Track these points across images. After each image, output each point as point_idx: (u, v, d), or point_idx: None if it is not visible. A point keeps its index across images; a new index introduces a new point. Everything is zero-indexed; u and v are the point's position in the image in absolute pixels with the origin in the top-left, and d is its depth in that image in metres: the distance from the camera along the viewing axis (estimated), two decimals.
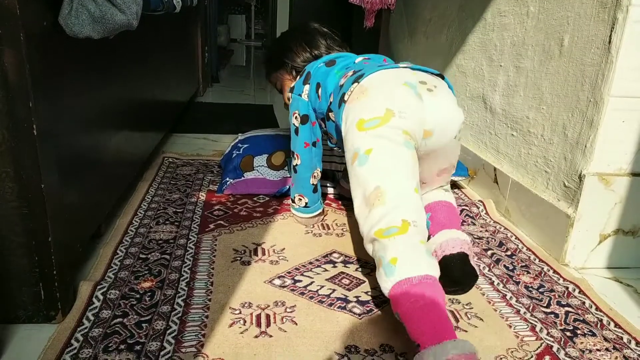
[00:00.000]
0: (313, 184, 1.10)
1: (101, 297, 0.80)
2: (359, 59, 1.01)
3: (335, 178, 1.33)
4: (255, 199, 1.25)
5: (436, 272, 0.69)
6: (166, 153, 1.56)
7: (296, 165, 1.09)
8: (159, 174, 1.37)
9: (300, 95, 1.04)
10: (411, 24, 2.10)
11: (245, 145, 1.38)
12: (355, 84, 0.84)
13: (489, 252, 1.06)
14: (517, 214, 1.20)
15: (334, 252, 1.01)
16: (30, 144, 0.66)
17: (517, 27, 1.25)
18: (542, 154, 1.14)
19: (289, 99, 1.08)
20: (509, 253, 1.06)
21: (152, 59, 1.45)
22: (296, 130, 1.06)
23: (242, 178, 1.28)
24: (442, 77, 0.88)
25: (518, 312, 0.85)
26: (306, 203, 1.11)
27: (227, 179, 1.29)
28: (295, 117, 1.05)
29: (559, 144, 1.08)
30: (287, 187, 1.26)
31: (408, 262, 0.68)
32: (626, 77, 0.93)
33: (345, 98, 0.85)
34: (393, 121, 0.77)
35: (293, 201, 1.13)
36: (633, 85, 0.94)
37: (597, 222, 1.01)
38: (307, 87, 1.03)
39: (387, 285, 0.69)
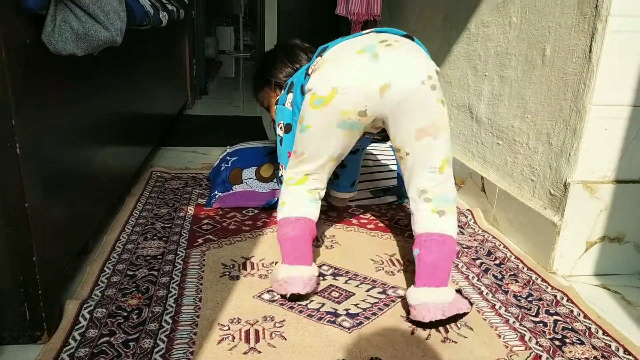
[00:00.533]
0: None
1: (88, 316, 0.79)
2: None
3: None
4: (244, 212, 1.25)
5: (312, 214, 0.93)
6: (154, 167, 1.55)
7: (281, 176, 1.09)
8: (147, 189, 1.36)
9: (284, 104, 1.05)
10: None
11: (234, 158, 1.37)
12: (319, 57, 0.90)
13: (478, 262, 1.06)
14: (505, 222, 1.21)
15: (323, 264, 1.01)
16: (13, 162, 0.65)
17: (500, 37, 1.27)
18: (528, 162, 1.15)
19: (275, 113, 1.09)
20: (497, 262, 1.07)
21: (139, 73, 1.44)
22: (281, 141, 1.07)
23: (231, 191, 1.28)
24: (412, 38, 0.92)
25: (507, 321, 0.85)
26: None
27: (216, 192, 1.28)
28: (280, 127, 1.07)
29: (543, 153, 1.09)
30: (276, 198, 1.26)
31: (289, 206, 0.93)
32: (607, 86, 0.95)
33: (309, 72, 0.91)
34: (335, 100, 0.85)
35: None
36: (614, 94, 0.96)
37: (583, 230, 1.02)
38: (290, 95, 1.04)
39: (278, 217, 0.94)
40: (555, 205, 1.04)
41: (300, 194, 0.94)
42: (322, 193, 0.98)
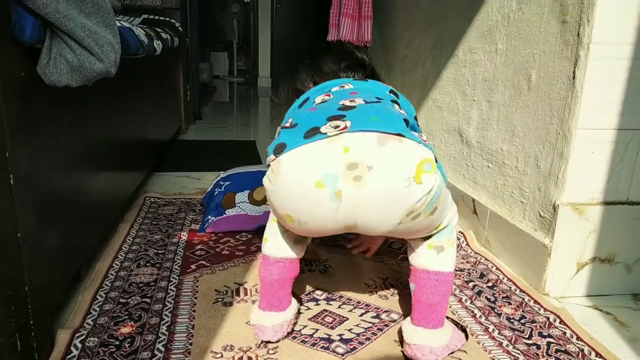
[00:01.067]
0: None
1: (79, 346, 0.78)
2: (320, 97, 0.84)
3: None
4: (237, 236, 1.25)
5: (295, 253, 0.84)
6: (148, 192, 1.56)
7: (268, 165, 0.86)
8: (141, 215, 1.36)
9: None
10: (388, 60, 2.16)
11: (227, 183, 1.38)
12: (273, 156, 0.71)
13: (471, 284, 1.07)
14: (497, 244, 1.22)
15: (317, 289, 1.01)
16: (6, 194, 0.66)
17: (487, 63, 1.30)
18: (517, 184, 1.17)
19: None
20: (490, 284, 1.07)
21: (133, 99, 1.46)
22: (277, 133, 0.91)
23: (224, 215, 1.28)
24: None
25: (500, 344, 0.85)
26: None
27: (209, 217, 1.29)
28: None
29: (532, 175, 1.11)
30: None
31: (272, 244, 0.84)
32: (591, 111, 0.97)
33: (266, 166, 0.74)
34: (293, 224, 0.73)
35: None
36: (598, 118, 0.98)
37: (573, 251, 1.03)
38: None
39: (262, 250, 0.86)
40: (545, 227, 1.06)
41: (284, 234, 0.84)
42: None
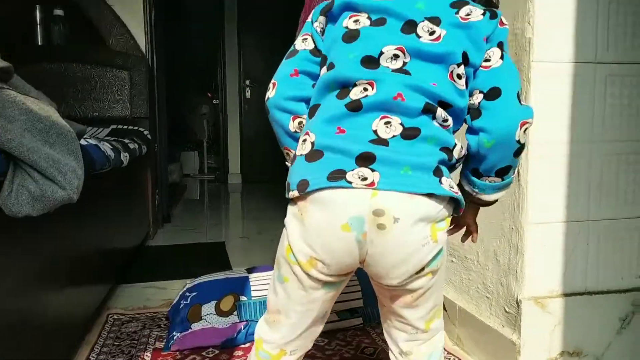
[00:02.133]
0: (296, 131, 0.78)
1: None
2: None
3: None
4: (204, 353, 1.20)
5: None
6: (111, 308, 1.50)
7: (267, 98, 0.78)
8: (102, 335, 1.30)
9: (313, 23, 0.78)
10: None
11: (193, 294, 1.36)
12: (297, 192, 0.68)
13: None
14: (469, 341, 1.21)
15: None
16: None
17: None
18: (481, 279, 1.19)
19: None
20: None
21: (98, 212, 1.46)
22: (290, 54, 0.78)
23: (190, 330, 1.24)
24: (431, 195, 0.66)
25: None
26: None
27: (174, 332, 1.24)
28: (304, 39, 0.78)
29: (493, 270, 1.14)
30: (236, 335, 1.23)
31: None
32: (538, 206, 1.03)
33: (291, 197, 0.70)
34: (313, 272, 0.70)
35: (287, 156, 0.83)
36: (545, 214, 1.04)
37: (541, 347, 1.03)
38: (321, 20, 0.77)
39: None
40: (511, 323, 1.06)
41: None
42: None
